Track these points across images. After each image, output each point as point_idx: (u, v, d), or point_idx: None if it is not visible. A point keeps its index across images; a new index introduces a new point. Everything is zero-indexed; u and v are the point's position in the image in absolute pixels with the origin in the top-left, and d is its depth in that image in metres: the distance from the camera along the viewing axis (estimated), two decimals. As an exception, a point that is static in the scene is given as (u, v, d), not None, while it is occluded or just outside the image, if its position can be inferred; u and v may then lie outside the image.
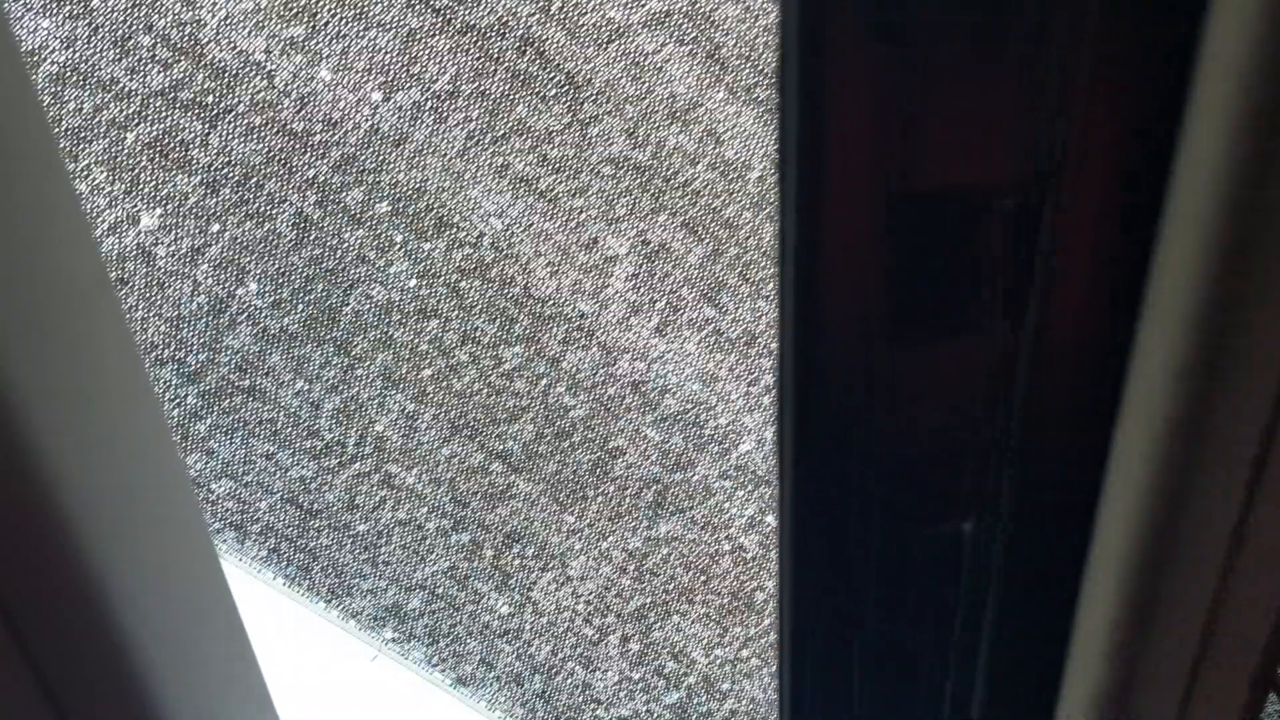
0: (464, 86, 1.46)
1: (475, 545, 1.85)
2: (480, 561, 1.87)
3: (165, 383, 1.66)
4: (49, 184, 0.49)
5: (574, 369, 1.67)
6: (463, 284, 1.60)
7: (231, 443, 1.73)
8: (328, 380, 1.68)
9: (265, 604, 1.87)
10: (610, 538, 1.84)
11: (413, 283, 1.60)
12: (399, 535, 1.84)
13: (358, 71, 1.45)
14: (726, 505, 1.79)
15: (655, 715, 2.06)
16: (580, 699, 2.05)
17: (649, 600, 1.91)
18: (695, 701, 2.03)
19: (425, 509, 1.81)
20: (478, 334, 1.64)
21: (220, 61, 1.44)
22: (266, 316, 1.63)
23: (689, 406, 1.68)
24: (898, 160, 0.61)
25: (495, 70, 1.45)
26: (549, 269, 1.59)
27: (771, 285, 1.57)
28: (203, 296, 1.62)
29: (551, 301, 1.61)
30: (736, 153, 1.47)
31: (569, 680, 2.02)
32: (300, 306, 1.62)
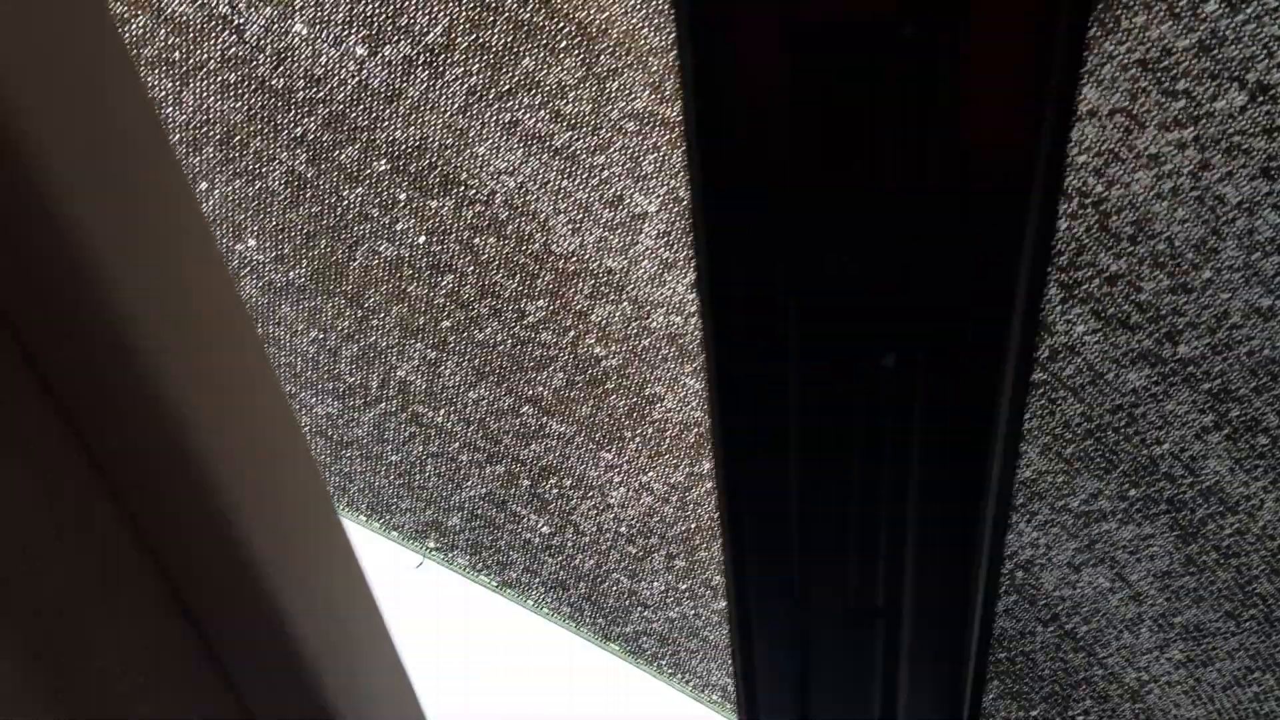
0: (460, 39, 1.25)
1: (511, 476, 1.78)
2: (517, 489, 1.81)
3: (173, 335, 1.57)
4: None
5: (604, 321, 1.53)
6: (476, 240, 1.45)
7: (250, 388, 1.65)
8: (342, 330, 1.57)
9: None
10: (651, 473, 1.75)
11: (422, 239, 1.45)
12: (433, 466, 1.78)
13: (336, 24, 1.25)
14: (773, 446, 1.67)
15: (703, 618, 2.04)
16: (627, 603, 2.03)
17: (693, 526, 1.84)
18: (743, 608, 2.00)
19: (457, 444, 1.74)
20: (497, 288, 1.50)
21: (181, 16, 1.25)
22: (271, 270, 1.50)
23: (730, 359, 1.54)
24: None
25: (495, 21, 1.23)
26: (570, 226, 1.42)
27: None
28: (200, 250, 1.49)
29: (575, 258, 1.45)
30: (778, 116, 1.25)
31: (615, 588, 2.00)
32: (305, 261, 1.49)
